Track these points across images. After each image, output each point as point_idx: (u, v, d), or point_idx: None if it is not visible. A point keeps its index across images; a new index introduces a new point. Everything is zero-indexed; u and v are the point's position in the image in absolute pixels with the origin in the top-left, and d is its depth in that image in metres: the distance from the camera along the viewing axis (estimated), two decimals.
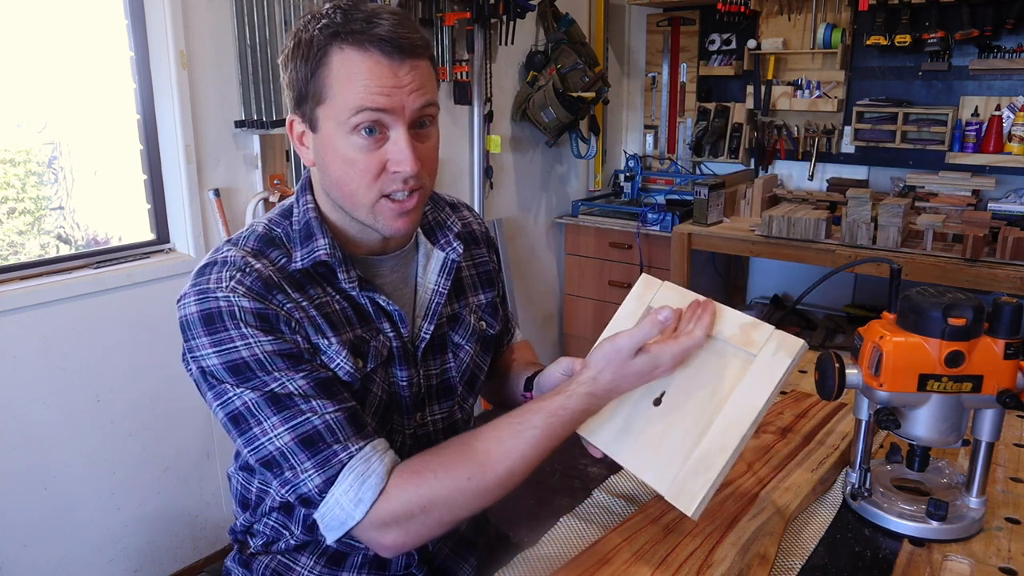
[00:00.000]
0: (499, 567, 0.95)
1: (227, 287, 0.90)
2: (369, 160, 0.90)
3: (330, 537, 0.89)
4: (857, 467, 1.03)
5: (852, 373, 0.97)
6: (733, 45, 3.40)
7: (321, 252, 0.96)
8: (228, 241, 1.00)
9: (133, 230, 2.23)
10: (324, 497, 0.86)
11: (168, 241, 2.24)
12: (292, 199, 1.03)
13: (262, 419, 0.87)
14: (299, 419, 0.87)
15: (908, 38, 2.86)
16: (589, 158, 3.60)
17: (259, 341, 0.88)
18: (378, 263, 1.04)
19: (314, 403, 0.88)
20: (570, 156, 3.53)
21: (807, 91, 3.23)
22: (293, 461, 0.87)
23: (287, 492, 0.89)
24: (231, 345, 0.88)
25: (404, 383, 1.02)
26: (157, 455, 2.19)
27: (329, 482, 0.86)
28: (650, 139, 3.77)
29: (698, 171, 3.62)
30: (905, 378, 0.92)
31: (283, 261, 0.96)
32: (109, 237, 2.21)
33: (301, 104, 0.93)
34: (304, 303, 0.93)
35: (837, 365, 0.96)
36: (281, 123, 2.29)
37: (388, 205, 0.93)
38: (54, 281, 1.94)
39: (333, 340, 0.93)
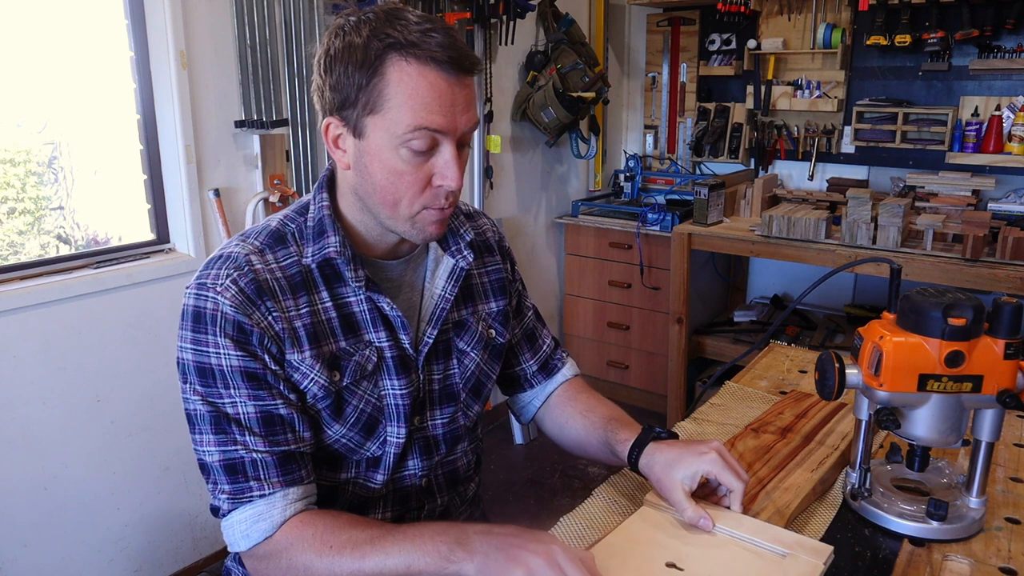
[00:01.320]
0: None
1: (221, 286, 0.93)
2: (416, 173, 0.92)
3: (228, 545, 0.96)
4: (857, 467, 1.03)
5: (852, 373, 0.97)
6: (733, 45, 3.40)
7: (331, 249, 0.97)
8: (241, 234, 1.01)
9: (133, 230, 2.23)
10: (227, 517, 0.94)
11: (168, 241, 2.24)
12: (310, 196, 1.04)
13: (203, 431, 0.94)
14: (230, 447, 0.93)
15: (908, 38, 2.86)
16: (589, 158, 3.60)
17: (228, 354, 0.92)
18: (388, 266, 1.05)
19: (248, 438, 0.93)
20: (570, 156, 3.53)
21: (807, 91, 3.23)
22: (216, 477, 0.94)
23: (209, 493, 0.97)
24: (206, 349, 0.93)
25: (400, 392, 1.02)
26: (157, 455, 2.19)
27: (235, 507, 0.93)
28: (650, 139, 3.77)
29: (698, 171, 3.62)
30: (905, 378, 0.92)
31: (288, 260, 0.98)
32: (109, 237, 2.21)
33: (345, 108, 0.92)
34: (291, 312, 0.95)
35: (837, 365, 0.96)
36: (281, 123, 2.30)
37: (429, 214, 0.95)
38: (54, 281, 1.94)
39: (308, 354, 0.95)
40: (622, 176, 3.65)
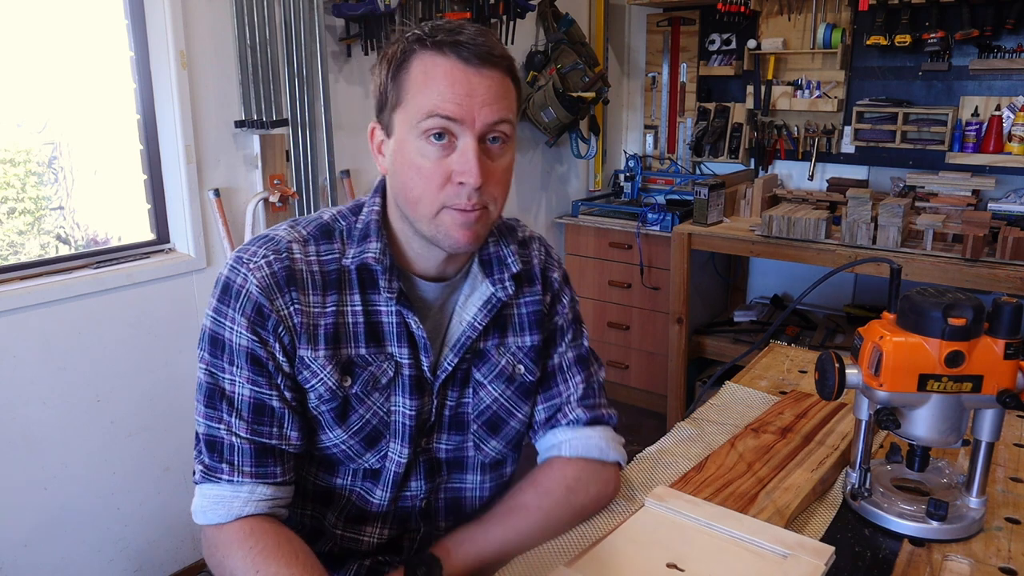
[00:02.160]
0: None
1: (254, 264, 0.94)
2: (435, 168, 0.90)
3: None
4: (857, 467, 1.03)
5: (852, 373, 0.97)
6: (733, 45, 3.40)
7: (369, 255, 0.96)
8: (292, 219, 1.01)
9: (133, 230, 2.23)
10: (198, 485, 0.96)
11: (168, 241, 2.24)
12: (368, 195, 1.03)
13: (198, 401, 0.96)
14: (215, 424, 0.94)
15: (908, 38, 2.86)
16: (589, 158, 3.60)
17: (240, 333, 0.93)
18: (425, 286, 1.02)
19: (234, 420, 0.94)
20: (570, 156, 3.54)
21: (807, 91, 3.23)
22: (199, 447, 0.96)
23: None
24: (223, 320, 0.94)
25: (409, 412, 1.00)
26: (157, 455, 2.19)
27: (204, 480, 0.95)
28: (650, 139, 3.77)
29: (698, 171, 3.62)
30: (905, 378, 0.92)
31: (329, 256, 0.98)
32: (109, 237, 2.21)
33: (382, 111, 0.95)
34: (315, 308, 0.95)
35: (837, 365, 0.96)
36: (281, 123, 2.30)
37: (451, 214, 0.92)
38: (54, 281, 1.94)
39: (321, 353, 0.95)
40: (622, 176, 3.65)
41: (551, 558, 0.95)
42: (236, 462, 0.93)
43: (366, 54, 2.51)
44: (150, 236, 2.23)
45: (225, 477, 0.93)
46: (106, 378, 2.05)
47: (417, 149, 0.90)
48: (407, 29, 0.93)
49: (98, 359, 2.03)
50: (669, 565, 0.89)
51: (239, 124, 2.24)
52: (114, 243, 2.20)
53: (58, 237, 2.13)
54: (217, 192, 2.21)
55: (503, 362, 1.06)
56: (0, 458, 1.87)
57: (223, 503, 0.93)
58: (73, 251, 2.12)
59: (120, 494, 2.12)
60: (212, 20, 2.13)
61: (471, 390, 1.05)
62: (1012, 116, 2.80)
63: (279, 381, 0.95)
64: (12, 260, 2.00)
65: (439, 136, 0.89)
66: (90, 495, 2.06)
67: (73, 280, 1.97)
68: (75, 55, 2.04)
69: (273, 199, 2.31)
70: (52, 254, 2.08)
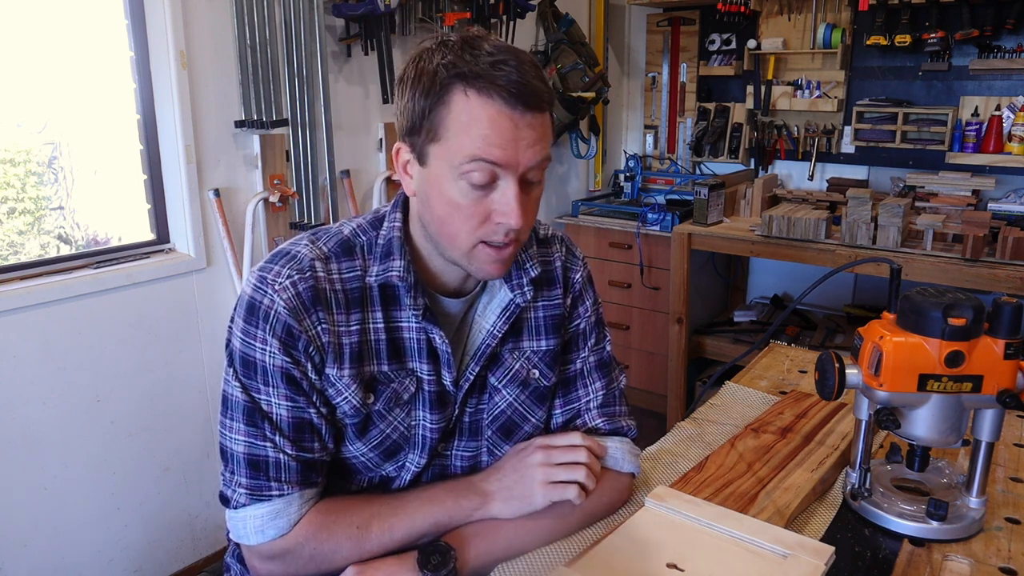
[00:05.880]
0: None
1: (280, 286, 0.92)
2: (475, 207, 0.89)
3: (231, 533, 0.97)
4: (857, 467, 1.03)
5: (852, 373, 0.97)
6: (733, 45, 3.40)
7: (393, 274, 0.96)
8: (313, 233, 0.99)
9: (133, 230, 2.23)
10: (241, 509, 0.93)
11: (168, 241, 2.24)
12: (387, 208, 1.01)
13: (235, 419, 0.93)
14: (258, 442, 0.93)
15: (908, 38, 2.86)
16: (589, 158, 3.60)
17: (274, 353, 0.91)
18: (446, 302, 1.02)
19: (279, 439, 0.93)
20: (570, 156, 3.54)
21: (807, 91, 3.23)
22: (234, 467, 0.94)
23: (220, 479, 0.97)
24: (253, 342, 0.92)
25: (432, 425, 1.00)
26: (157, 455, 2.19)
27: (251, 502, 0.93)
28: (650, 139, 3.77)
29: (698, 171, 3.62)
30: (905, 378, 0.92)
31: (351, 274, 0.96)
32: (109, 237, 2.21)
33: (412, 135, 0.91)
34: (341, 327, 0.94)
35: (837, 365, 0.96)
36: (281, 123, 2.30)
37: (486, 251, 0.91)
38: (54, 281, 1.94)
39: (347, 372, 0.94)
40: (622, 176, 3.65)
41: (551, 558, 0.95)
42: (284, 478, 0.93)
43: (366, 54, 2.51)
44: (150, 236, 2.23)
45: (275, 492, 0.92)
46: (106, 378, 2.05)
47: (456, 188, 0.88)
48: (436, 46, 0.88)
49: (98, 359, 2.03)
50: (669, 565, 0.89)
51: (239, 124, 2.24)
52: (114, 243, 2.20)
53: (58, 237, 2.13)
54: (217, 192, 2.21)
55: (517, 366, 1.05)
56: (0, 458, 1.87)
57: (281, 515, 0.92)
58: (73, 251, 2.12)
59: (120, 494, 2.12)
60: (212, 20, 2.13)
61: (487, 395, 1.05)
62: (1012, 116, 2.80)
63: (315, 398, 0.94)
64: (12, 260, 2.00)
65: (482, 179, 0.87)
66: (90, 495, 2.06)
67: (73, 280, 1.97)
68: (75, 55, 2.04)
69: (273, 199, 2.31)
70: (52, 254, 2.08)
